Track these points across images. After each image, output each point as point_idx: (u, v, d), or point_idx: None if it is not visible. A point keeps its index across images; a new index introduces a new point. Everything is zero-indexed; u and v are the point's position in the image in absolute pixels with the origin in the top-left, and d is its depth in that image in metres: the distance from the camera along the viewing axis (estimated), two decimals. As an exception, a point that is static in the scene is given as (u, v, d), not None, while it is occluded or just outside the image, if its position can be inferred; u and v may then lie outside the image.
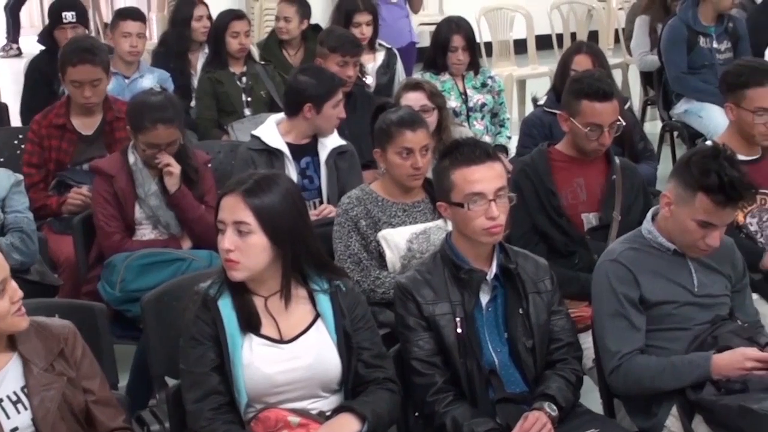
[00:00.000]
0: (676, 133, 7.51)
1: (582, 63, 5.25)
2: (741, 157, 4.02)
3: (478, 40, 6.61)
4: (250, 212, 2.99)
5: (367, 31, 6.69)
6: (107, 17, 10.89)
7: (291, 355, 3.06)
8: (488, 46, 9.31)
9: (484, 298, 3.35)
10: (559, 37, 9.71)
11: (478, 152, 3.31)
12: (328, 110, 4.80)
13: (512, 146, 6.06)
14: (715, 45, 6.87)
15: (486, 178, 3.28)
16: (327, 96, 4.80)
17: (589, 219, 4.18)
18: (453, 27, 6.24)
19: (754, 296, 3.82)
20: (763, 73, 4.24)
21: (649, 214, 3.57)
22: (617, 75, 9.03)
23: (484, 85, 6.29)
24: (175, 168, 4.36)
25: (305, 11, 7.04)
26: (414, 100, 4.94)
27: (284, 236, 3.02)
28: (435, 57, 6.27)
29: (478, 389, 3.27)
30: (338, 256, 4.11)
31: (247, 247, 2.99)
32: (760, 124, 4.15)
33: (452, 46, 6.16)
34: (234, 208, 3.01)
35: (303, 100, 4.80)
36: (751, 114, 4.17)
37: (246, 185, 3.03)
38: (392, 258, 4.07)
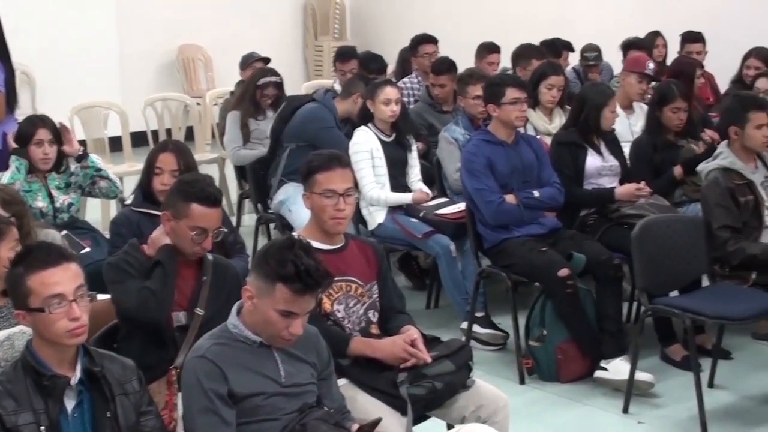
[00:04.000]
0: (273, 225, 7.67)
1: (167, 161, 5.23)
2: (323, 247, 4.20)
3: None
4: None
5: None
6: None
7: None
8: (83, 144, 9.14)
9: (70, 404, 3.24)
10: (155, 133, 9.71)
11: (53, 255, 3.24)
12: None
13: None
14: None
15: (64, 279, 3.20)
16: None
17: (179, 318, 4.16)
18: (38, 123, 6.15)
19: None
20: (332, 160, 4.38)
21: (234, 308, 3.61)
22: (214, 170, 9.16)
23: (68, 184, 6.19)
24: None
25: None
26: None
27: None
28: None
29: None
30: None
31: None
32: (329, 206, 4.28)
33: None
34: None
35: None
36: (319, 196, 4.30)
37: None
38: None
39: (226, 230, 4.40)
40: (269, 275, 3.44)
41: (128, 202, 5.44)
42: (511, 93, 6.04)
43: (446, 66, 8.03)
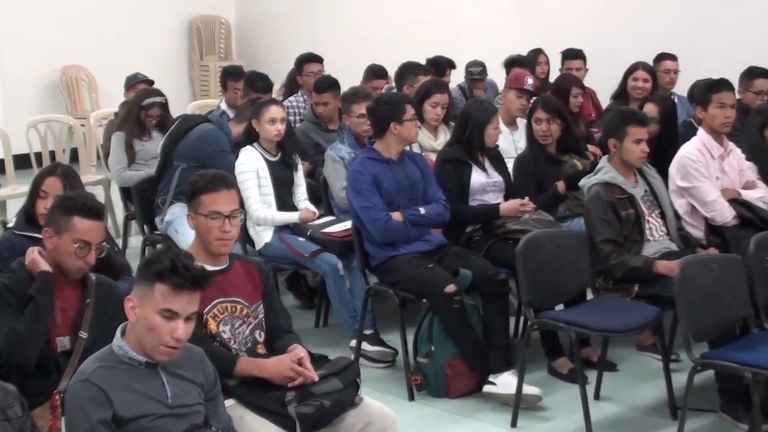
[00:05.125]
0: (160, 246, 7.58)
1: (53, 185, 5.13)
2: (208, 268, 4.15)
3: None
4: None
5: None
6: None
7: None
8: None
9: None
10: (38, 155, 9.54)
11: None
12: None
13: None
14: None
15: None
16: None
17: (63, 343, 4.11)
18: None
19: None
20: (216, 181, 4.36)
21: (119, 330, 3.57)
22: (99, 191, 9.02)
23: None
24: None
25: None
26: None
27: None
28: None
29: None
30: None
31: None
32: (214, 228, 4.25)
33: None
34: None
35: None
36: (204, 218, 4.27)
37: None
38: None
39: (108, 245, 4.35)
40: (148, 278, 3.46)
41: (10, 225, 5.32)
42: (410, 110, 6.11)
43: (328, 84, 8.05)
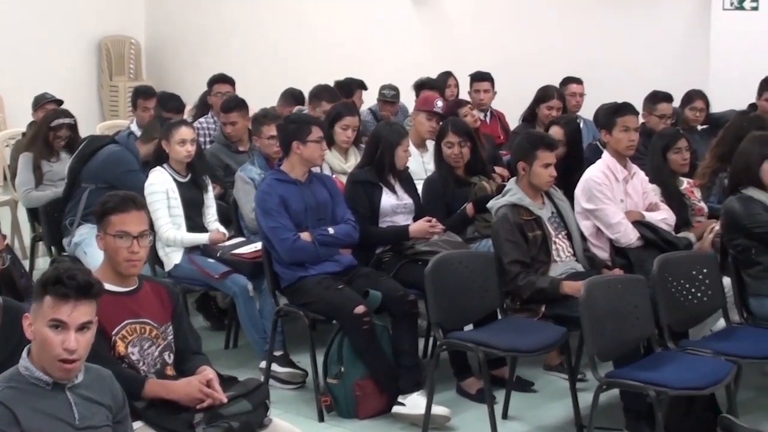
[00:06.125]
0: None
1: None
2: (117, 289, 4.18)
3: None
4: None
5: None
6: None
7: None
8: None
9: None
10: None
11: None
12: None
13: None
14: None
15: None
16: None
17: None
18: None
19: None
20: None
21: (24, 351, 3.53)
22: (6, 213, 8.91)
23: None
24: None
25: None
26: None
27: None
28: None
29: None
30: None
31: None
32: (123, 248, 4.23)
33: None
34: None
35: None
36: (113, 238, 4.24)
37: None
38: None
39: (10, 255, 4.30)
40: (39, 292, 3.46)
41: None
42: (317, 132, 6.13)
43: (235, 103, 8.06)
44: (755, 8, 9.40)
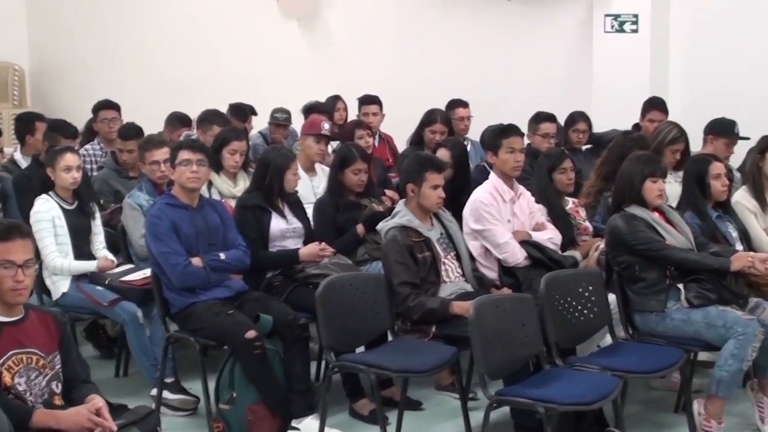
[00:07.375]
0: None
1: None
2: (2, 319, 4.12)
3: None
4: None
5: None
6: None
7: None
8: None
9: None
10: None
11: None
12: None
13: None
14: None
15: None
16: None
17: None
18: None
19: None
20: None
21: None
22: None
23: None
24: None
25: None
26: None
27: None
28: None
29: None
30: None
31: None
32: (7, 277, 4.17)
33: None
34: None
35: None
36: None
37: None
38: None
39: None
40: None
41: None
42: (184, 155, 6.11)
43: (134, 131, 7.99)
44: (635, 31, 9.62)
